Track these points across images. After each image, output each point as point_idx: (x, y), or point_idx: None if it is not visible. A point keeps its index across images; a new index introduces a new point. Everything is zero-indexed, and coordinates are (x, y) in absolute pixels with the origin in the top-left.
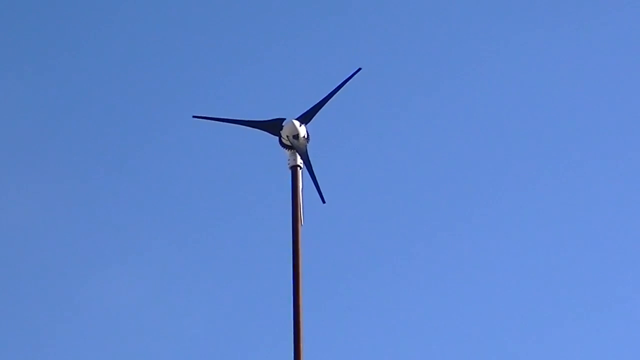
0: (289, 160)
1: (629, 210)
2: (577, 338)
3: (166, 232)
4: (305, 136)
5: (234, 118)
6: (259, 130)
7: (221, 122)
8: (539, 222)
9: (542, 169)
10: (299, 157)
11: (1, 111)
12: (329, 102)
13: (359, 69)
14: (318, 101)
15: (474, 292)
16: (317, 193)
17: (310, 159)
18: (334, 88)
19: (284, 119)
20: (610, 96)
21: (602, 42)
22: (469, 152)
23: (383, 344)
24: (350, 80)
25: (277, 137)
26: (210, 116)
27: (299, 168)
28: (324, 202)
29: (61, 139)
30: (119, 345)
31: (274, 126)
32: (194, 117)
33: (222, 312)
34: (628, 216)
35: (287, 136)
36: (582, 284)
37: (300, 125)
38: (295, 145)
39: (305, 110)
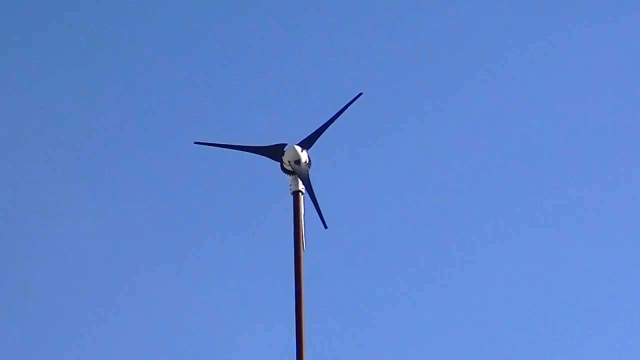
0: (290, 185)
1: (632, 211)
2: (579, 338)
3: (168, 257)
4: (307, 161)
5: (236, 144)
6: (260, 155)
7: (223, 148)
8: (533, 234)
9: (539, 184)
10: (300, 182)
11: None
12: (330, 127)
13: (360, 94)
14: (319, 126)
15: (476, 317)
16: (319, 218)
17: (311, 184)
18: (335, 113)
19: (286, 144)
20: (616, 98)
21: (603, 43)
22: (472, 175)
23: None
24: (351, 106)
25: (279, 163)
26: (211, 142)
27: (300, 193)
28: (325, 227)
29: (65, 161)
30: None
31: (275, 152)
32: (195, 143)
33: (224, 336)
34: (632, 217)
35: (289, 161)
36: (585, 285)
37: (302, 151)
38: (296, 171)
39: (306, 136)
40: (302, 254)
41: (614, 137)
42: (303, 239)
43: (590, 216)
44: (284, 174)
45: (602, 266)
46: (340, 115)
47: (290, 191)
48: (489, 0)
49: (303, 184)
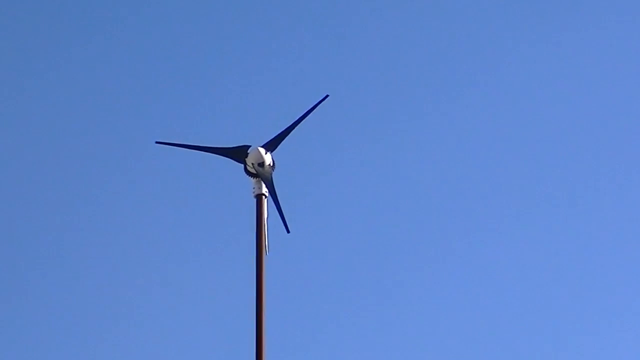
0: (253, 188)
1: (630, 211)
2: (577, 339)
3: (129, 259)
4: (271, 164)
5: (199, 144)
6: (223, 157)
7: (185, 149)
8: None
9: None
10: (264, 185)
11: None
12: (295, 129)
13: (326, 96)
14: (284, 129)
15: (439, 326)
16: (281, 222)
17: (275, 187)
18: (301, 115)
19: (250, 146)
20: (613, 99)
21: (600, 45)
22: (438, 182)
23: None
24: (317, 108)
25: (242, 165)
26: (174, 142)
27: (263, 196)
28: (288, 231)
29: (25, 164)
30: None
31: (239, 153)
32: (157, 142)
33: (183, 342)
34: (629, 217)
35: (253, 164)
36: (582, 285)
37: (266, 153)
38: (260, 173)
39: (270, 138)
40: (264, 258)
41: (614, 137)
42: (265, 242)
43: (589, 214)
44: (247, 176)
45: (603, 266)
46: (306, 118)
47: (253, 194)
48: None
49: (266, 187)
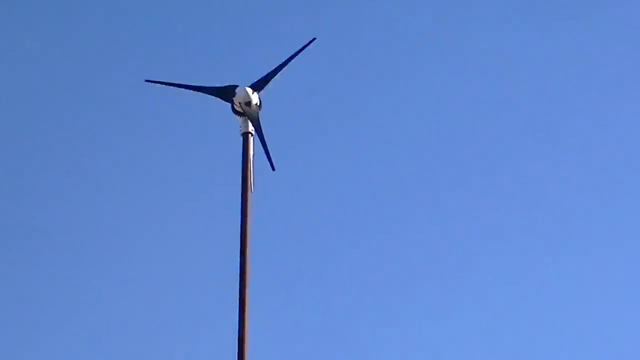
0: (240, 127)
1: (629, 211)
2: (576, 338)
3: (116, 195)
4: (258, 104)
5: (187, 83)
6: (211, 96)
7: (173, 87)
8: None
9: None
10: (250, 124)
11: None
12: (282, 70)
13: (314, 39)
14: (271, 69)
15: (414, 268)
16: (267, 160)
17: (261, 126)
18: (288, 57)
19: (237, 85)
20: (610, 95)
21: (600, 41)
22: (421, 125)
23: (326, 314)
24: (305, 50)
25: (230, 104)
26: (162, 81)
27: (250, 135)
28: (273, 169)
29: (17, 108)
30: None
31: (226, 93)
32: (146, 81)
33: (168, 277)
34: (628, 216)
35: (240, 103)
36: (580, 284)
37: (253, 93)
38: (247, 113)
39: (258, 78)
40: (250, 195)
41: (613, 134)
42: (251, 180)
43: (587, 213)
44: (234, 115)
45: (601, 264)
46: (293, 60)
47: (239, 132)
48: None
49: (253, 125)
